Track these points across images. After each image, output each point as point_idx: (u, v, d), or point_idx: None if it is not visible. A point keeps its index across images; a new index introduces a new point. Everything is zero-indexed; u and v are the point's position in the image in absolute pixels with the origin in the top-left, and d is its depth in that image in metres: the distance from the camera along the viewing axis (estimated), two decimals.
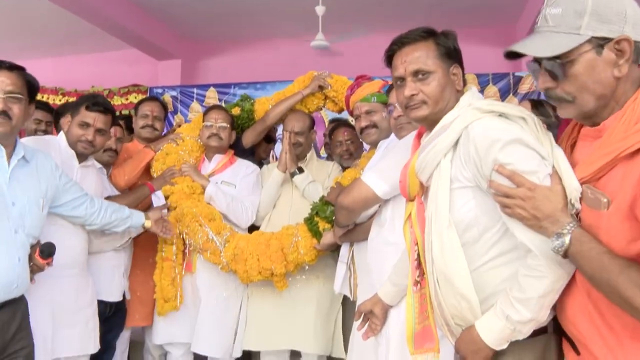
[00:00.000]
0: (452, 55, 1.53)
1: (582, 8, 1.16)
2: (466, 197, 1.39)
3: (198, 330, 2.85)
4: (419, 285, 1.58)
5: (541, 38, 1.20)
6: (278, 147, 5.34)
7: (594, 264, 1.12)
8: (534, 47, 1.21)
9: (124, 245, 2.80)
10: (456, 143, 1.40)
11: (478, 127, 1.35)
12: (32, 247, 2.06)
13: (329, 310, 2.85)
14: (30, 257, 2.06)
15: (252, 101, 3.32)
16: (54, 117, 3.34)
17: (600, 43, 1.15)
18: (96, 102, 2.51)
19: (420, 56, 1.51)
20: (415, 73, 1.50)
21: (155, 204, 2.91)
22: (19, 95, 1.95)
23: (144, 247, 2.98)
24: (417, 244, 1.54)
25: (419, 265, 1.55)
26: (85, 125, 2.46)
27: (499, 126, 1.33)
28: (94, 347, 2.47)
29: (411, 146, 1.65)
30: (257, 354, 2.98)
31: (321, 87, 3.19)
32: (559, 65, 1.19)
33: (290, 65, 5.93)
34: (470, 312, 1.37)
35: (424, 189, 1.55)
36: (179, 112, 6.47)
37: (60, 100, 6.91)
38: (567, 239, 1.16)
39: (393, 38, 1.58)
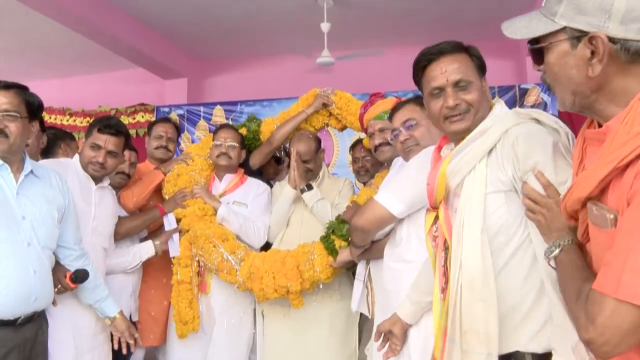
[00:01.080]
0: (483, 69, 1.58)
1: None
2: (499, 202, 1.42)
3: (212, 350, 2.85)
4: (446, 292, 1.57)
5: (528, 19, 1.12)
6: None
7: (564, 272, 1.16)
8: (513, 27, 1.13)
9: (134, 268, 2.82)
10: (491, 149, 1.43)
11: (522, 129, 1.40)
12: (59, 269, 2.13)
13: (345, 329, 2.83)
14: (59, 279, 2.13)
15: (258, 122, 3.35)
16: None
17: (576, 35, 1.03)
18: (108, 124, 2.52)
19: (461, 67, 1.54)
20: (457, 83, 1.52)
21: (166, 228, 2.92)
22: (15, 114, 1.98)
23: (158, 267, 2.99)
24: (444, 249, 1.54)
25: (446, 271, 1.54)
26: (96, 147, 2.48)
27: (542, 131, 1.39)
28: None
29: (431, 159, 1.66)
30: None
31: (325, 105, 3.20)
32: (533, 51, 1.12)
33: (296, 82, 5.96)
34: (484, 321, 1.36)
35: (450, 195, 1.55)
36: (185, 131, 6.49)
37: (67, 121, 6.96)
38: (559, 249, 1.21)
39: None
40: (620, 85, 1.02)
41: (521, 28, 1.11)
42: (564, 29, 1.04)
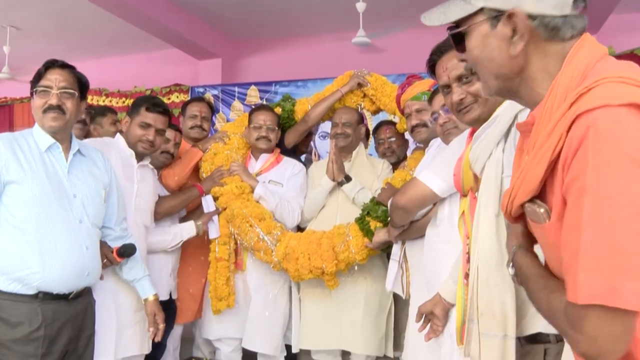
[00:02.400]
0: None
1: None
2: None
3: (249, 327, 2.92)
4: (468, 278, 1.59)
5: (445, 5, 1.08)
6: (317, 143, 5.47)
7: (525, 283, 1.07)
8: (431, 16, 1.08)
9: (174, 247, 2.88)
10: (507, 132, 1.42)
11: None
12: (103, 244, 2.21)
13: (378, 310, 2.87)
14: (106, 253, 2.21)
15: (293, 101, 3.39)
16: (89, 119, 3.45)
17: (494, 15, 0.99)
18: (155, 103, 2.60)
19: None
20: (459, 78, 1.59)
21: (205, 209, 2.96)
22: (72, 91, 2.05)
23: (196, 246, 3.05)
24: (468, 237, 1.55)
25: (470, 258, 1.56)
26: (146, 125, 2.54)
27: None
28: (148, 347, 2.54)
29: (465, 143, 1.68)
30: (304, 351, 3.02)
31: (360, 85, 3.23)
32: (454, 38, 1.08)
33: (331, 62, 5.94)
34: (500, 303, 1.36)
35: (478, 183, 1.55)
36: (220, 111, 6.55)
37: (103, 101, 7.09)
38: (510, 256, 1.14)
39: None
40: (540, 66, 0.99)
41: (438, 15, 1.06)
42: (481, 10, 1.00)
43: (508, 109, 1.41)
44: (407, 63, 6.00)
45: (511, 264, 1.08)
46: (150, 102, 2.60)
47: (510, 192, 1.03)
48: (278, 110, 3.32)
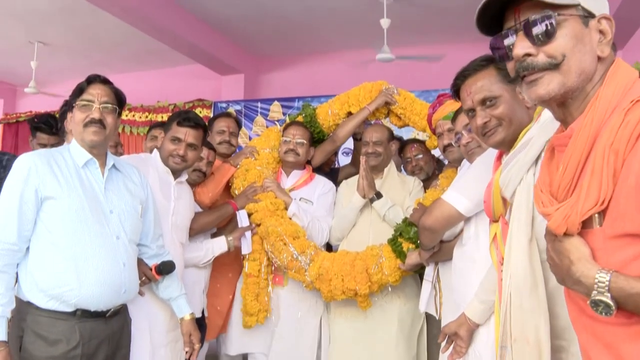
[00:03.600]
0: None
1: None
2: None
3: (276, 344, 2.92)
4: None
5: None
6: (341, 159, 5.48)
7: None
8: None
9: (207, 263, 2.88)
10: (537, 158, 1.42)
11: None
12: (140, 261, 2.23)
13: (411, 330, 2.86)
14: (144, 270, 2.23)
15: (313, 108, 3.39)
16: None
17: (586, 15, 1.05)
18: (187, 117, 2.58)
19: (484, 84, 1.62)
20: (483, 101, 1.62)
21: (239, 225, 2.96)
22: (113, 106, 2.08)
23: (224, 262, 3.05)
24: (502, 263, 1.53)
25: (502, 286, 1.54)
26: (176, 140, 2.53)
27: None
28: None
29: (492, 167, 1.67)
30: None
31: (387, 103, 3.24)
32: (550, 21, 1.05)
33: (354, 78, 5.93)
34: (534, 330, 1.34)
35: (507, 208, 1.55)
36: (243, 126, 6.58)
37: (126, 116, 7.19)
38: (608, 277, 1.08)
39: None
40: (597, 78, 1.06)
41: None
42: (576, 6, 1.05)
43: (541, 135, 1.41)
44: (431, 79, 6.07)
45: (606, 294, 0.97)
46: (182, 116, 2.59)
47: (570, 206, 1.03)
48: (300, 119, 3.33)
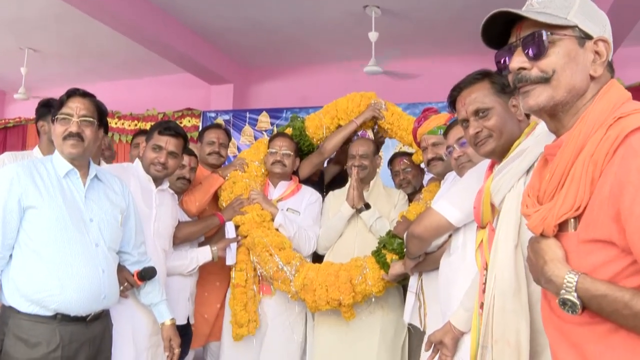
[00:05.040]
0: (508, 90, 1.66)
1: (571, 0, 1.17)
2: None
3: (264, 355, 2.96)
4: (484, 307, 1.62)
5: (530, 14, 1.16)
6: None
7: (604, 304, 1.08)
8: (528, 14, 1.16)
9: (192, 272, 2.92)
10: (529, 168, 1.47)
11: None
12: (122, 268, 2.28)
13: (394, 340, 2.89)
14: (126, 276, 2.29)
15: (302, 119, 3.41)
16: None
17: (582, 36, 1.14)
18: (168, 126, 2.65)
19: (477, 96, 1.72)
20: (476, 112, 1.70)
21: (226, 236, 3.00)
22: (92, 119, 2.13)
23: (212, 271, 3.09)
24: (486, 268, 1.58)
25: (486, 289, 1.58)
26: (158, 148, 2.59)
27: None
28: None
29: (484, 176, 1.72)
30: None
31: (375, 117, 3.30)
32: (544, 38, 1.13)
33: (342, 90, 5.96)
34: (515, 332, 1.38)
35: (495, 215, 1.60)
36: (231, 136, 6.60)
37: (116, 124, 7.17)
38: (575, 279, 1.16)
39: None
40: (590, 95, 1.14)
41: (535, 14, 1.15)
42: (573, 27, 1.13)
43: (536, 146, 1.47)
44: (419, 92, 6.13)
45: (573, 293, 1.04)
46: (163, 125, 2.66)
47: (547, 210, 1.12)
48: (289, 131, 3.35)
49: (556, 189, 1.12)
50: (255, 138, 6.45)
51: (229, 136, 3.52)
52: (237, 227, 3.01)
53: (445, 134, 2.35)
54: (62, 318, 1.99)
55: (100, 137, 2.28)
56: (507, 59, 1.22)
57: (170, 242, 2.76)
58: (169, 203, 2.75)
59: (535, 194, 1.21)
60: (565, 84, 1.13)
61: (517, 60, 1.17)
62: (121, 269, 2.30)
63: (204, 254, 2.93)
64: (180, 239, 2.88)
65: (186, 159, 2.94)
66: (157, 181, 2.66)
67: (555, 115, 1.18)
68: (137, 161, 2.70)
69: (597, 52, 1.14)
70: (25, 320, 1.96)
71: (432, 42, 6.20)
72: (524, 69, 1.16)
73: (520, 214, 1.41)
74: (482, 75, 1.76)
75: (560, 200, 1.09)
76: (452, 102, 1.82)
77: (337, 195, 3.13)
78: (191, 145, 3.32)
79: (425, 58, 6.51)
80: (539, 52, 1.13)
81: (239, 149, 6.49)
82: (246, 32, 6.14)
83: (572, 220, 1.08)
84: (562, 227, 1.11)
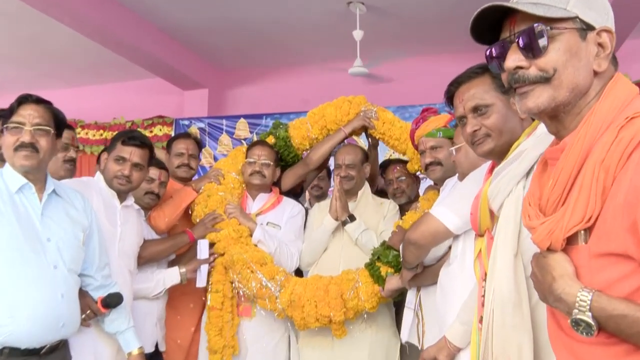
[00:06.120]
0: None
1: None
2: None
3: None
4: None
5: (524, 7, 1.09)
6: None
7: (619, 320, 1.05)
8: (522, 7, 1.09)
9: (158, 295, 2.83)
10: (529, 171, 1.44)
11: None
12: (85, 294, 2.21)
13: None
14: (89, 303, 2.20)
15: (285, 127, 3.33)
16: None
17: (584, 28, 1.08)
18: (132, 136, 2.60)
19: (477, 92, 1.67)
20: (474, 109, 1.66)
21: (198, 256, 2.90)
22: (47, 128, 2.05)
23: (185, 292, 2.98)
24: (485, 279, 1.56)
25: (485, 301, 1.56)
26: (121, 159, 2.53)
27: None
28: None
29: (483, 179, 1.69)
30: None
31: (365, 127, 3.22)
32: (543, 34, 1.07)
33: (326, 93, 5.88)
34: (517, 347, 1.34)
35: (494, 222, 1.56)
36: (207, 145, 6.53)
37: (79, 133, 7.07)
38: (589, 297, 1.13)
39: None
40: (594, 92, 1.09)
41: (532, 8, 1.08)
42: (574, 18, 1.08)
43: (536, 148, 1.43)
44: (407, 94, 6.11)
45: (587, 313, 0.99)
46: (126, 135, 2.60)
47: (554, 222, 1.07)
48: (271, 139, 3.28)
49: (560, 197, 1.09)
50: (234, 147, 6.33)
51: (199, 146, 3.45)
52: (212, 244, 2.92)
53: (455, 135, 2.29)
54: (9, 353, 1.87)
55: (58, 149, 2.21)
56: (499, 55, 1.18)
57: (135, 263, 2.69)
58: (135, 220, 2.69)
59: (536, 202, 1.17)
60: (567, 82, 1.08)
61: (513, 59, 1.12)
62: (83, 295, 2.21)
63: (171, 276, 2.85)
64: (144, 259, 2.77)
65: (155, 172, 2.89)
66: (121, 196, 2.61)
67: (556, 117, 1.14)
68: (99, 175, 2.63)
69: (600, 44, 1.09)
70: None
71: (421, 40, 6.20)
72: (521, 67, 1.11)
73: (524, 225, 1.35)
74: (483, 70, 1.69)
75: (569, 211, 1.04)
76: (450, 97, 1.78)
77: (322, 207, 3.09)
78: (162, 156, 3.30)
79: (414, 58, 6.53)
80: (538, 50, 1.08)
81: (215, 159, 6.45)
82: (221, 32, 6.06)
83: (582, 232, 1.04)
84: (570, 240, 1.06)
